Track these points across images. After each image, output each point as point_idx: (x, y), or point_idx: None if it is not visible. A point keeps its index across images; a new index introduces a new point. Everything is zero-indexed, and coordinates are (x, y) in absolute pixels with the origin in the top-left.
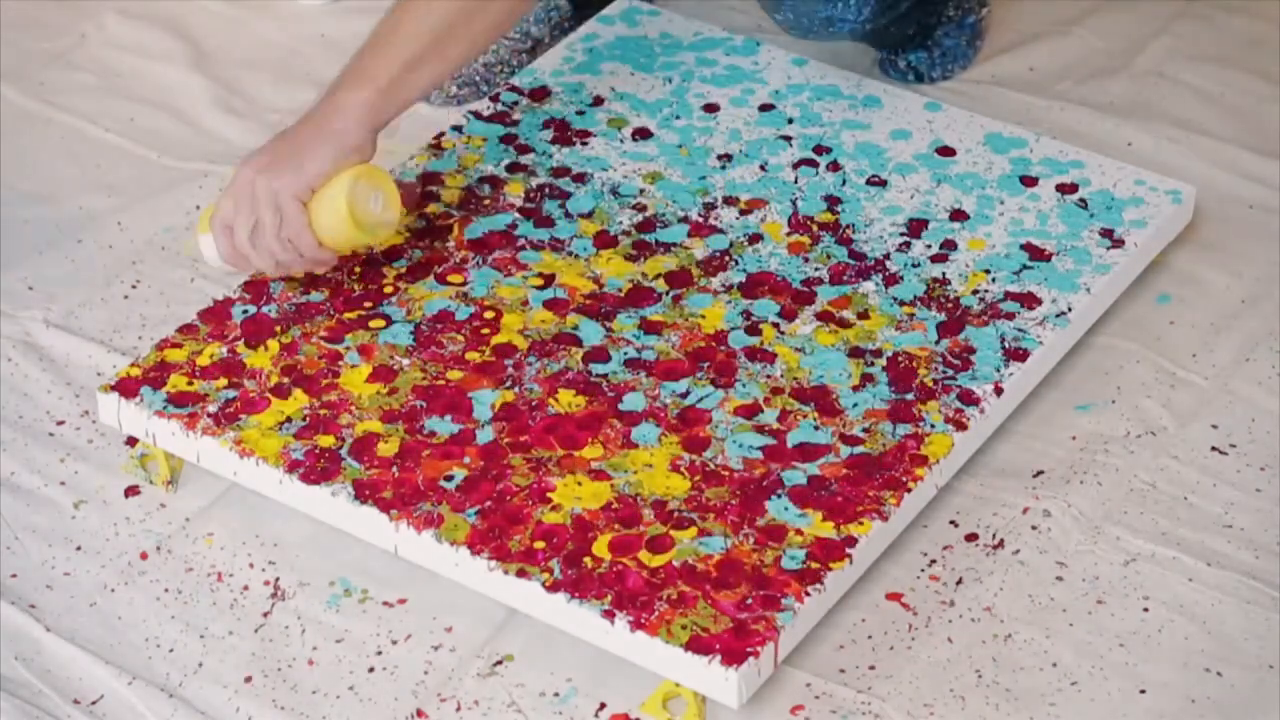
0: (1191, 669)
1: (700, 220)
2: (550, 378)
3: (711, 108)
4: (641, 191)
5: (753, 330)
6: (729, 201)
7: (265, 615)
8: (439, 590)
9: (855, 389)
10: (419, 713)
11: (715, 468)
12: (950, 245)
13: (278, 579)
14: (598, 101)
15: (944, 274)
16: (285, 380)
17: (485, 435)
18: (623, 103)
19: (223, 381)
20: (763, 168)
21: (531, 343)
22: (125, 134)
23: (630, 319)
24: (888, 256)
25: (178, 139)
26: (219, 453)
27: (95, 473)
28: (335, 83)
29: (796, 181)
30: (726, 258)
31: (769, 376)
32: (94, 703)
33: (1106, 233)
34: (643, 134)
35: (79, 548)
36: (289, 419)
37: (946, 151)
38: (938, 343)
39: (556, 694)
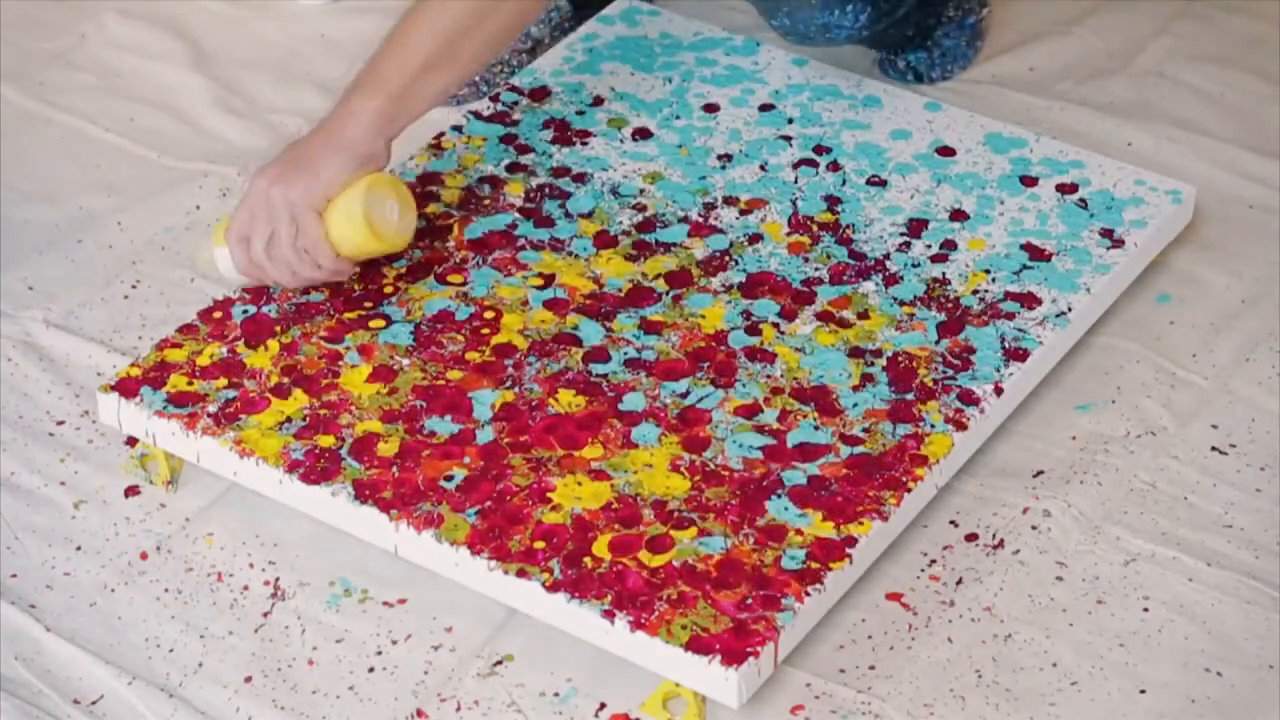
0: (1191, 669)
1: (700, 220)
2: (550, 378)
3: (711, 108)
4: (641, 191)
5: (753, 330)
6: (729, 201)
7: (265, 615)
8: (439, 590)
9: (855, 389)
10: (419, 713)
11: (715, 468)
12: (950, 245)
13: (278, 579)
14: (598, 101)
15: (944, 274)
16: (285, 380)
17: (485, 435)
18: (623, 103)
19: (223, 381)
20: (763, 168)
21: (531, 343)
22: (125, 134)
23: (630, 319)
24: (888, 256)
25: (178, 139)
26: (219, 453)
27: (95, 473)
28: (348, 90)
29: (796, 181)
30: (726, 258)
31: (769, 376)
32: (94, 703)
33: (1106, 233)
34: (643, 134)
35: (79, 548)
36: (289, 419)
37: (946, 151)
38: (938, 343)
39: (556, 694)
